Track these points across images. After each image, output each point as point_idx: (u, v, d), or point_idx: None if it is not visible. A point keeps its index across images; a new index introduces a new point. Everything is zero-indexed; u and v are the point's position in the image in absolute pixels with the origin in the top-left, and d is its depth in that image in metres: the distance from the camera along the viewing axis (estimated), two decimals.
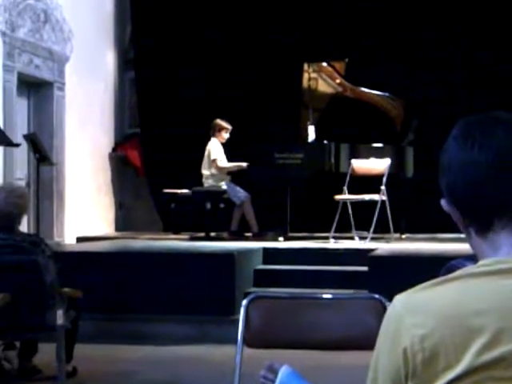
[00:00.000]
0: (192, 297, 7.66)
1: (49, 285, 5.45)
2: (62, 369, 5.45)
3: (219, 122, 10.71)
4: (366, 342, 2.87)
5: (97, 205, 12.38)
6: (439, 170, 1.47)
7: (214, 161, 10.57)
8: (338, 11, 11.95)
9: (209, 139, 10.71)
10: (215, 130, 10.69)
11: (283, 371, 2.24)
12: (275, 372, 2.25)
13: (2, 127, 9.28)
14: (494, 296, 1.31)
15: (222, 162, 10.63)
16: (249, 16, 12.19)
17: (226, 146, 10.73)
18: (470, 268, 1.37)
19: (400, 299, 1.37)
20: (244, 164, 10.50)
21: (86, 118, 11.95)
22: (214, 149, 10.61)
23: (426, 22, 11.69)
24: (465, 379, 1.28)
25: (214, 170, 10.62)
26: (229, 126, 10.68)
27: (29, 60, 10.47)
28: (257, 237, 10.30)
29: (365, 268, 7.88)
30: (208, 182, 10.67)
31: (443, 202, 1.46)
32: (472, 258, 1.72)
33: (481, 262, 1.37)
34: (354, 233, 10.09)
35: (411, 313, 1.33)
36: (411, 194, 10.71)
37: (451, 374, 1.28)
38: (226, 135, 10.69)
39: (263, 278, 8.31)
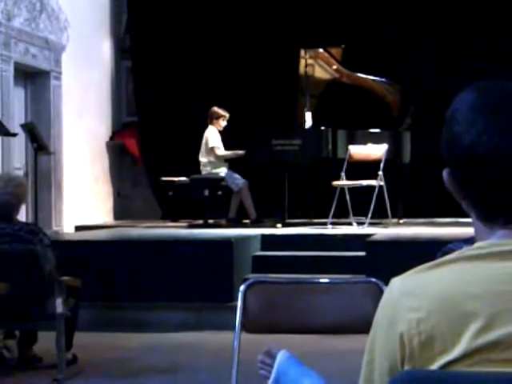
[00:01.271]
0: (190, 284, 7.68)
1: (47, 274, 5.46)
2: (61, 357, 5.46)
3: (216, 109, 10.70)
4: (364, 326, 2.88)
5: (95, 193, 12.38)
6: (444, 135, 1.41)
7: (213, 149, 10.57)
8: None
9: (206, 127, 10.70)
10: (213, 118, 10.68)
11: (281, 356, 2.25)
12: (273, 357, 2.26)
13: None
14: (488, 279, 1.30)
15: (220, 149, 10.63)
16: (245, 2, 12.16)
17: (224, 133, 10.73)
18: (466, 250, 1.36)
19: (396, 283, 1.37)
20: (241, 151, 10.50)
21: (83, 106, 11.94)
22: (212, 137, 10.61)
23: (424, 6, 11.66)
24: (461, 362, 1.28)
25: (211, 158, 10.62)
26: (226, 114, 10.68)
27: (25, 49, 10.45)
28: (255, 223, 10.32)
29: (363, 253, 7.91)
30: (206, 170, 10.68)
31: (445, 174, 1.42)
32: (469, 241, 1.72)
33: (476, 245, 1.37)
34: (351, 218, 10.10)
35: (407, 296, 1.33)
36: (408, 179, 10.73)
37: (448, 357, 1.28)
38: (223, 123, 10.69)
39: (261, 265, 8.33)
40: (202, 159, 10.68)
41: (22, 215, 9.83)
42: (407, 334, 1.31)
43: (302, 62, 10.65)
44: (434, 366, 1.30)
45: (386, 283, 1.47)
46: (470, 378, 1.27)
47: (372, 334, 1.39)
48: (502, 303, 1.29)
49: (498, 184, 1.35)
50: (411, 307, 1.32)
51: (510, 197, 1.35)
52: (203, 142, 10.67)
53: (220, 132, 10.70)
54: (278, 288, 3.14)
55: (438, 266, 1.35)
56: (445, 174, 1.42)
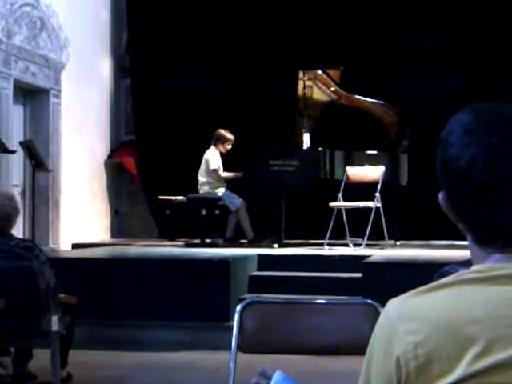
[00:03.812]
0: (187, 303, 7.67)
1: (43, 290, 5.45)
2: (56, 375, 5.45)
3: (223, 133, 10.62)
4: (360, 348, 2.88)
5: (92, 211, 12.38)
6: (441, 157, 1.40)
7: (215, 171, 10.55)
8: (334, 19, 11.97)
9: (204, 146, 10.69)
10: (218, 141, 10.61)
11: (276, 377, 2.24)
12: (268, 378, 2.25)
13: None
14: (486, 304, 1.30)
15: (220, 171, 10.62)
16: (244, 23, 12.21)
17: (222, 152, 10.72)
18: (463, 273, 1.35)
19: (393, 305, 1.36)
20: (239, 173, 10.51)
21: (82, 125, 11.96)
22: (213, 158, 10.58)
23: (422, 28, 11.71)
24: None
25: (210, 179, 10.60)
26: (232, 138, 10.63)
27: (25, 67, 10.48)
28: (252, 243, 10.31)
29: (359, 274, 7.90)
30: (204, 189, 10.68)
31: (441, 197, 1.41)
32: (466, 264, 1.72)
33: (473, 268, 1.36)
34: (348, 240, 10.10)
35: (404, 319, 1.32)
36: (405, 201, 10.73)
37: (445, 381, 1.28)
38: (228, 147, 10.67)
39: (258, 285, 8.32)
40: (201, 178, 10.68)
41: (19, 232, 9.83)
42: (403, 357, 1.30)
43: (301, 83, 10.69)
44: None
45: (383, 305, 1.46)
46: None
47: (368, 355, 1.38)
48: (500, 328, 1.28)
49: (494, 208, 1.34)
50: (408, 330, 1.31)
51: (507, 220, 1.34)
52: (203, 161, 10.65)
53: (220, 153, 10.67)
54: (275, 308, 3.15)
55: (435, 289, 1.34)
56: (440, 196, 1.41)
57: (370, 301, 3.03)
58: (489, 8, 11.52)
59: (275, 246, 10.04)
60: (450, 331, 1.29)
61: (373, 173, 9.97)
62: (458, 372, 1.27)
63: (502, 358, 1.26)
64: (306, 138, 10.62)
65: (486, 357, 1.26)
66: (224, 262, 7.93)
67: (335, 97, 10.94)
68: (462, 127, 1.37)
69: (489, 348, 1.27)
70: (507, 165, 1.33)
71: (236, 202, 10.53)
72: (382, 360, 1.34)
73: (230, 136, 10.62)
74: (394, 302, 1.37)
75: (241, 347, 2.97)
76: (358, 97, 10.88)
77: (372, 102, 10.92)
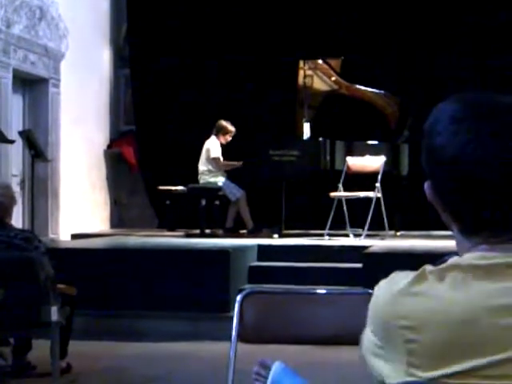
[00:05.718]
0: (187, 293, 7.66)
1: (43, 281, 5.44)
2: (56, 365, 5.44)
3: (225, 124, 10.62)
4: (360, 337, 2.87)
5: (92, 202, 12.37)
6: (426, 148, 1.39)
7: (215, 159, 10.54)
8: (334, 8, 11.94)
9: (204, 135, 10.68)
10: (219, 131, 10.60)
11: (276, 367, 2.23)
12: (268, 368, 2.24)
13: None
14: (480, 303, 1.28)
15: (221, 160, 10.62)
16: (244, 14, 12.18)
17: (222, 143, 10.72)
18: (459, 260, 1.34)
19: (386, 298, 1.35)
20: (239, 162, 10.50)
21: (81, 114, 11.93)
22: (214, 148, 10.57)
23: (423, 20, 11.68)
24: (453, 378, 1.27)
25: (211, 167, 10.60)
26: (233, 129, 10.63)
27: (24, 56, 10.45)
28: (251, 234, 10.31)
29: (359, 265, 7.89)
30: (204, 178, 10.66)
31: (426, 187, 1.40)
32: None
33: (468, 255, 1.35)
34: (348, 230, 10.10)
35: (400, 316, 1.32)
36: (406, 191, 10.71)
37: (440, 372, 1.28)
38: (229, 138, 10.66)
39: (258, 275, 8.32)
40: (202, 167, 10.66)
41: (18, 222, 9.82)
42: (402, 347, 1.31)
43: (301, 73, 10.67)
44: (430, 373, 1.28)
45: None
46: None
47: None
48: (492, 329, 1.27)
49: (482, 197, 1.32)
50: (405, 326, 1.30)
51: (495, 209, 1.32)
52: (203, 150, 10.64)
53: (221, 144, 10.66)
54: (275, 298, 3.13)
55: (432, 280, 1.32)
56: (426, 186, 1.39)
57: (370, 291, 3.01)
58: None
59: (275, 236, 10.03)
60: (445, 328, 1.28)
61: (373, 163, 9.96)
62: (453, 368, 1.27)
63: (497, 358, 1.26)
64: (307, 128, 10.60)
65: (482, 356, 1.26)
66: (224, 253, 7.93)
67: (336, 86, 10.92)
68: (449, 116, 1.35)
69: (483, 347, 1.26)
70: (496, 152, 1.30)
71: (236, 192, 10.52)
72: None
73: (232, 128, 10.61)
74: (387, 294, 1.36)
75: (241, 337, 2.96)
76: (358, 86, 10.86)
77: (373, 92, 10.91)
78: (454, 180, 1.33)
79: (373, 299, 1.38)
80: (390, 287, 1.36)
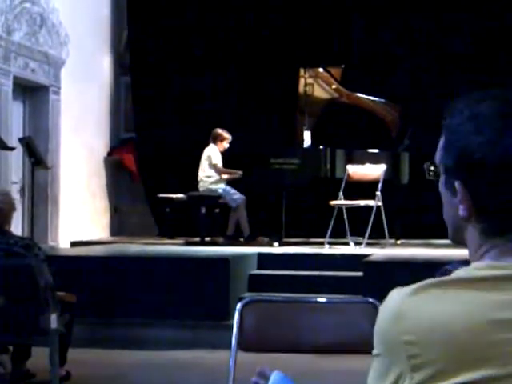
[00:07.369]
0: (186, 302, 7.65)
1: (42, 288, 5.42)
2: (55, 373, 5.43)
3: (220, 132, 10.65)
4: (360, 346, 2.86)
5: (91, 209, 12.36)
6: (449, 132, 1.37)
7: (216, 165, 10.55)
8: (335, 16, 11.96)
9: (204, 144, 10.68)
10: (216, 139, 10.64)
11: (274, 376, 2.22)
12: (266, 377, 2.23)
13: None
14: (483, 317, 1.27)
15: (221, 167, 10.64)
16: (245, 20, 12.19)
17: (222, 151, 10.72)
18: (463, 273, 1.33)
19: (389, 315, 1.33)
20: (239, 172, 10.51)
21: (82, 122, 11.93)
22: (215, 155, 10.58)
23: (424, 27, 11.69)
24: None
25: (212, 173, 10.60)
26: (229, 136, 10.65)
27: (24, 64, 10.45)
28: (248, 241, 10.30)
29: (360, 273, 7.88)
30: (204, 186, 10.65)
31: (458, 186, 1.35)
32: (466, 262, 1.70)
33: (473, 266, 1.34)
34: (348, 238, 10.09)
35: (404, 331, 1.29)
36: (406, 199, 10.71)
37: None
38: (226, 145, 10.68)
39: (258, 283, 8.30)
40: (202, 174, 10.66)
41: (18, 230, 9.82)
42: (405, 366, 1.29)
43: (302, 81, 10.67)
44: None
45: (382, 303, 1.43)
46: None
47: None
48: (493, 342, 1.25)
49: None
50: (409, 341, 1.28)
51: None
52: (203, 158, 10.64)
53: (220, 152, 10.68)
54: (275, 307, 3.12)
55: (436, 292, 1.31)
56: (458, 185, 1.35)
57: (370, 299, 3.01)
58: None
59: (275, 244, 10.02)
60: (447, 342, 1.26)
61: (374, 171, 9.96)
62: (454, 380, 1.25)
63: (498, 372, 1.24)
64: (307, 136, 10.60)
65: (481, 368, 1.24)
66: (224, 261, 7.91)
67: (336, 95, 10.92)
68: (494, 113, 1.33)
69: (482, 360, 1.25)
70: None
71: (236, 198, 10.52)
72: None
73: (227, 135, 10.64)
74: (394, 306, 1.33)
75: (241, 346, 2.95)
76: (359, 95, 10.86)
77: (373, 101, 10.91)
78: (503, 176, 1.31)
79: (377, 321, 1.36)
80: (392, 303, 1.34)
